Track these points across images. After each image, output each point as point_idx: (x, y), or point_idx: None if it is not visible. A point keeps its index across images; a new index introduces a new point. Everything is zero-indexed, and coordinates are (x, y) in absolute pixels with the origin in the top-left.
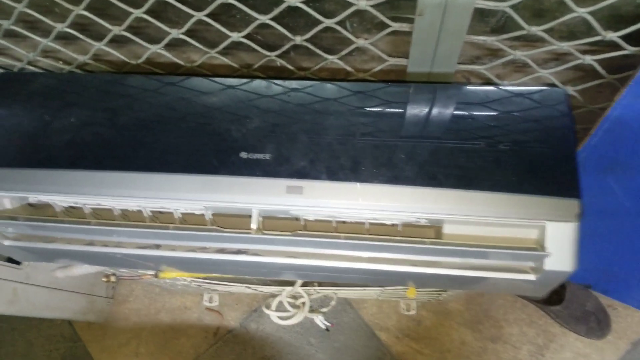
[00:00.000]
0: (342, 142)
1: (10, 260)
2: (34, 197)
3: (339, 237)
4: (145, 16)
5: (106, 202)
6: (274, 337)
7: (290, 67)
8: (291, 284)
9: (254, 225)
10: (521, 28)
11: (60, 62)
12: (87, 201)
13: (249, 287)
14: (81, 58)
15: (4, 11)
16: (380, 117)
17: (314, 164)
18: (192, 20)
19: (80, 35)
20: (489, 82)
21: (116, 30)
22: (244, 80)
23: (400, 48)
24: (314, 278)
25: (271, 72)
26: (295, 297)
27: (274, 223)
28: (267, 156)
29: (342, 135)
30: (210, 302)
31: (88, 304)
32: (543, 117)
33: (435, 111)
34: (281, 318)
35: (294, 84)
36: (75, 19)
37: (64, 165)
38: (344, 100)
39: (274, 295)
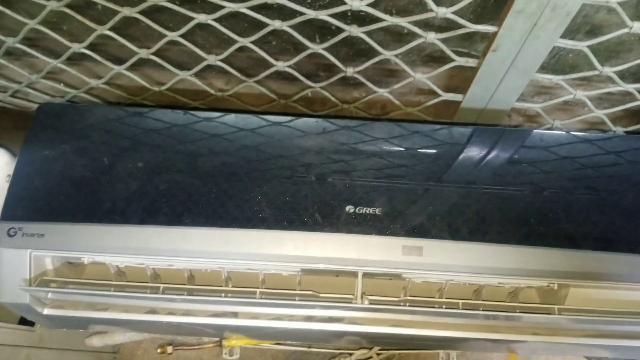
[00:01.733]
0: (463, 192)
1: (24, 321)
2: (89, 258)
3: (457, 307)
4: (180, 39)
5: (179, 263)
6: None
7: (333, 99)
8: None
9: (358, 291)
10: (588, 68)
11: (62, 84)
12: (157, 263)
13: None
14: (93, 82)
15: (8, 28)
16: (489, 163)
17: (433, 220)
18: (235, 46)
19: (98, 57)
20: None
21: (143, 53)
22: (302, 119)
23: (447, 82)
24: (409, 345)
25: (309, 104)
26: None
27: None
28: (378, 210)
29: (458, 184)
30: (231, 356)
31: None
32: None
33: (551, 160)
34: None
35: (352, 123)
36: (95, 40)
37: (131, 220)
38: (441, 144)
39: (333, 357)
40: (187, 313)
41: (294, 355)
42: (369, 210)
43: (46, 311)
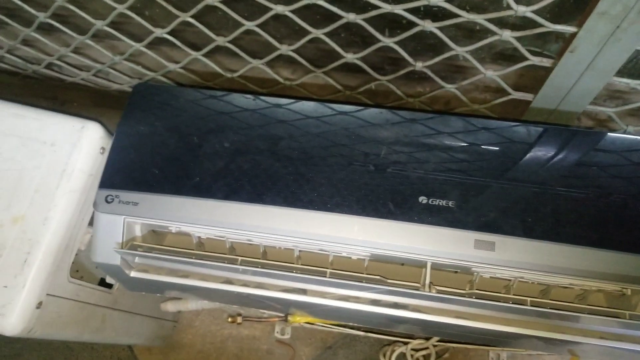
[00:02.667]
0: (538, 191)
1: (103, 283)
2: (176, 227)
3: (525, 304)
4: (256, 29)
5: (257, 239)
6: None
7: (399, 92)
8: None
9: (426, 280)
10: None
11: (141, 66)
12: (237, 236)
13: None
14: (171, 66)
15: (96, 12)
16: (564, 164)
17: (506, 217)
18: (308, 37)
19: (177, 42)
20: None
21: (220, 41)
22: (371, 109)
23: (515, 81)
24: (467, 338)
25: (372, 96)
26: (415, 350)
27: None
28: (451, 203)
29: (533, 183)
30: (282, 335)
31: (157, 328)
32: None
33: (628, 165)
34: None
35: (424, 115)
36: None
37: (216, 195)
38: (513, 141)
39: (387, 344)
40: (259, 286)
41: (343, 340)
42: (442, 203)
43: (133, 274)
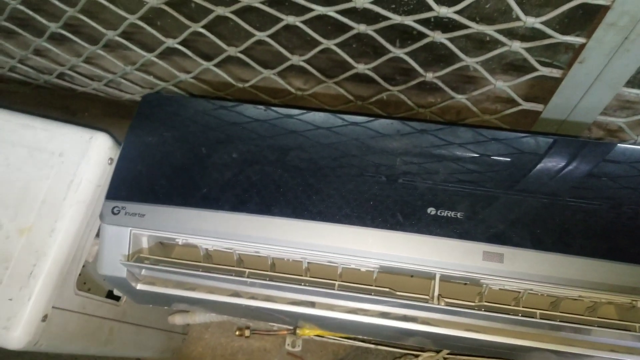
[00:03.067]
0: (547, 202)
1: (111, 295)
2: (183, 239)
3: (534, 316)
4: (267, 39)
5: (265, 251)
6: None
7: (410, 102)
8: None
9: (435, 292)
10: None
11: (152, 76)
12: (244, 248)
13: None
14: (182, 76)
15: (109, 22)
16: (574, 175)
17: (515, 229)
18: (319, 47)
19: (189, 52)
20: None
21: (232, 51)
22: (381, 120)
23: (525, 91)
24: (477, 351)
25: (383, 106)
26: None
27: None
28: (460, 214)
29: (543, 194)
30: (293, 347)
31: (166, 340)
32: None
33: (638, 175)
34: None
35: (434, 126)
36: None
37: (223, 207)
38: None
39: (399, 356)
40: (267, 298)
41: (354, 352)
42: (451, 214)
43: (139, 286)
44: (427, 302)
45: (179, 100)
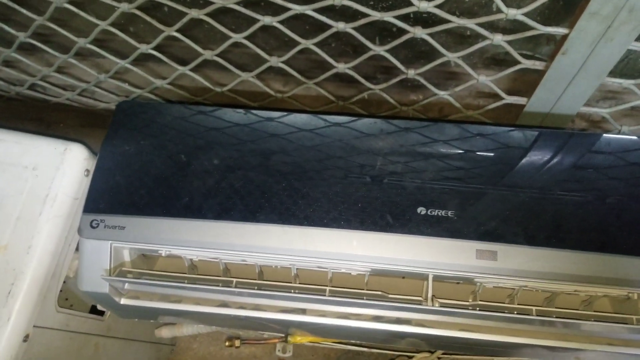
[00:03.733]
0: (537, 196)
1: (94, 311)
2: (167, 251)
3: (530, 313)
4: (244, 41)
5: (251, 259)
6: None
7: (392, 101)
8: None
9: (428, 293)
10: None
11: (127, 84)
12: (230, 257)
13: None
14: (158, 82)
15: (79, 29)
16: (562, 168)
17: (507, 225)
18: (297, 48)
19: (164, 58)
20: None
21: (208, 55)
22: (363, 119)
23: (508, 85)
24: (473, 350)
25: (366, 106)
26: None
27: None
28: (450, 213)
29: (531, 188)
30: (284, 353)
31: (154, 352)
32: None
33: (627, 166)
34: None
35: (416, 124)
36: (160, 41)
37: (207, 215)
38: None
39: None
40: (257, 308)
41: (346, 355)
42: (442, 213)
43: (123, 301)
44: (420, 304)
45: (156, 107)
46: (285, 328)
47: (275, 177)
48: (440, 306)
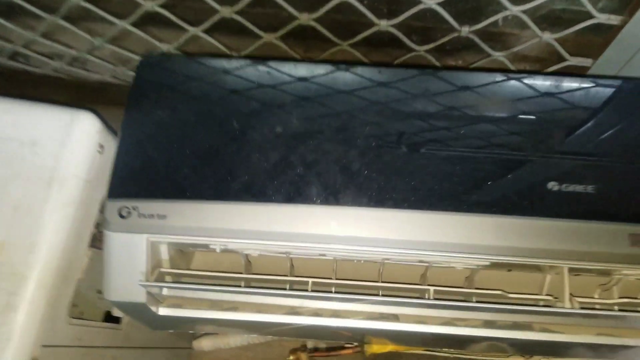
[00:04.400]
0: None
1: (109, 318)
2: (221, 245)
3: None
4: None
5: (332, 252)
6: None
7: (437, 64)
8: None
9: (565, 293)
10: None
11: (125, 50)
12: (306, 252)
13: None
14: (164, 47)
15: None
16: None
17: None
18: (332, 2)
19: (173, 17)
20: None
21: (226, 12)
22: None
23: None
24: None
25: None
26: None
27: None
28: (589, 188)
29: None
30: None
31: (172, 358)
32: None
33: None
34: None
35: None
36: None
37: (275, 198)
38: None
39: None
40: (335, 314)
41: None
42: (579, 189)
43: (162, 311)
44: (556, 307)
45: (189, 62)
46: (361, 335)
47: (363, 145)
48: (581, 307)
